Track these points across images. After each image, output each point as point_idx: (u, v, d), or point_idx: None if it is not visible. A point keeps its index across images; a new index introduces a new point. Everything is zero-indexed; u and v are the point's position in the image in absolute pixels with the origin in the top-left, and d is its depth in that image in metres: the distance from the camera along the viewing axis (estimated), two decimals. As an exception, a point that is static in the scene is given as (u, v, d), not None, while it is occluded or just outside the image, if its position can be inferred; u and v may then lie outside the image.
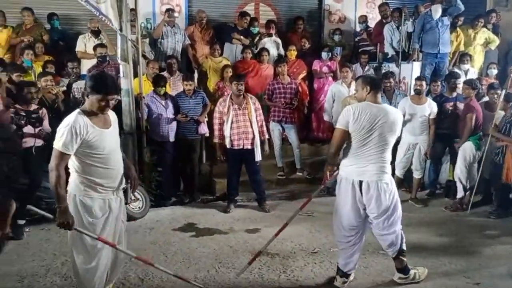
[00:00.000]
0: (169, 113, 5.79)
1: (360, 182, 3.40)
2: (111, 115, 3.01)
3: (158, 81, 5.81)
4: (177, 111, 5.81)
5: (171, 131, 5.81)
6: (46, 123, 4.78)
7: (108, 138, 2.90)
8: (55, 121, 5.17)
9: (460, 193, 5.72)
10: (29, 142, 4.66)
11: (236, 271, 3.91)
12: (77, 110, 2.84)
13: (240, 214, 5.49)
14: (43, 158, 4.71)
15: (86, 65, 6.55)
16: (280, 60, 6.75)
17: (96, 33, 6.75)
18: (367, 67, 7.35)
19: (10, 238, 4.46)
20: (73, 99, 5.78)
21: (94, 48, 6.34)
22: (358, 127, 3.32)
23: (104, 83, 2.82)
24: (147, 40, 6.97)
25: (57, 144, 2.73)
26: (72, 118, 2.76)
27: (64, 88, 5.83)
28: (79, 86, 5.83)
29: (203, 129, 6.00)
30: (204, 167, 6.45)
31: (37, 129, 4.63)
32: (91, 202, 2.88)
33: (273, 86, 6.52)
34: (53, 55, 6.54)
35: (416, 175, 6.01)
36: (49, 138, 4.81)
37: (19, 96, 4.77)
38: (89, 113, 2.82)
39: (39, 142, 4.70)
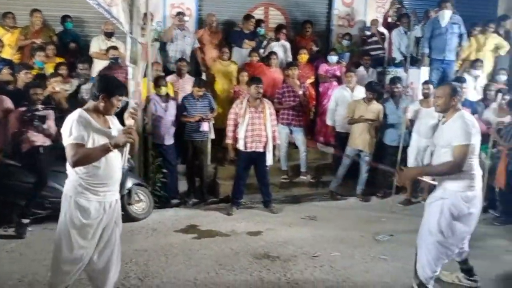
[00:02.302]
0: (169, 116, 5.86)
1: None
2: (111, 117, 3.02)
3: (157, 82, 5.89)
4: (181, 114, 5.89)
5: (167, 134, 5.89)
6: (51, 122, 4.85)
7: (109, 139, 2.86)
8: (62, 121, 5.32)
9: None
10: (37, 141, 4.73)
11: (236, 273, 3.93)
12: (79, 109, 2.86)
13: (242, 216, 5.50)
14: (51, 158, 4.84)
15: (97, 67, 6.66)
16: (292, 63, 6.78)
17: (109, 35, 6.86)
18: (370, 70, 7.33)
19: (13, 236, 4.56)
20: (81, 100, 5.87)
21: (107, 50, 6.45)
22: (477, 139, 3.27)
23: (117, 85, 2.92)
24: (157, 44, 7.05)
25: (69, 138, 2.72)
26: (76, 114, 2.79)
27: (72, 89, 5.92)
28: (87, 88, 5.94)
29: (205, 126, 6.02)
30: (209, 169, 6.49)
31: (43, 127, 4.72)
32: (88, 204, 2.85)
33: (283, 89, 6.58)
34: (65, 57, 6.62)
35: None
36: (56, 138, 4.93)
37: (25, 96, 4.86)
38: (91, 113, 2.85)
39: (46, 142, 4.78)
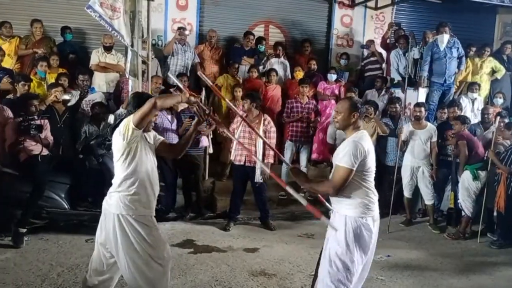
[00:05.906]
0: (174, 127, 5.87)
1: None
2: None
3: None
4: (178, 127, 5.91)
5: None
6: (47, 132, 4.87)
7: (152, 150, 3.07)
8: (63, 130, 5.31)
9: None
10: (35, 150, 4.71)
11: (232, 290, 3.90)
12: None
13: (239, 232, 5.47)
14: (48, 168, 4.82)
15: (99, 78, 6.69)
16: (305, 81, 6.85)
17: (108, 49, 6.88)
18: (383, 92, 7.30)
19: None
20: (81, 110, 5.89)
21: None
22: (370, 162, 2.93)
23: (149, 97, 2.97)
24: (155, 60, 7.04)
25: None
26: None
27: (74, 100, 5.94)
28: (88, 99, 5.96)
29: (205, 141, 6.04)
30: (206, 184, 6.46)
31: (40, 137, 4.69)
32: (144, 219, 2.98)
33: (292, 104, 6.64)
34: (65, 68, 6.62)
35: (427, 201, 6.09)
36: (53, 148, 4.92)
37: (22, 106, 4.83)
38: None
39: (45, 152, 4.76)
